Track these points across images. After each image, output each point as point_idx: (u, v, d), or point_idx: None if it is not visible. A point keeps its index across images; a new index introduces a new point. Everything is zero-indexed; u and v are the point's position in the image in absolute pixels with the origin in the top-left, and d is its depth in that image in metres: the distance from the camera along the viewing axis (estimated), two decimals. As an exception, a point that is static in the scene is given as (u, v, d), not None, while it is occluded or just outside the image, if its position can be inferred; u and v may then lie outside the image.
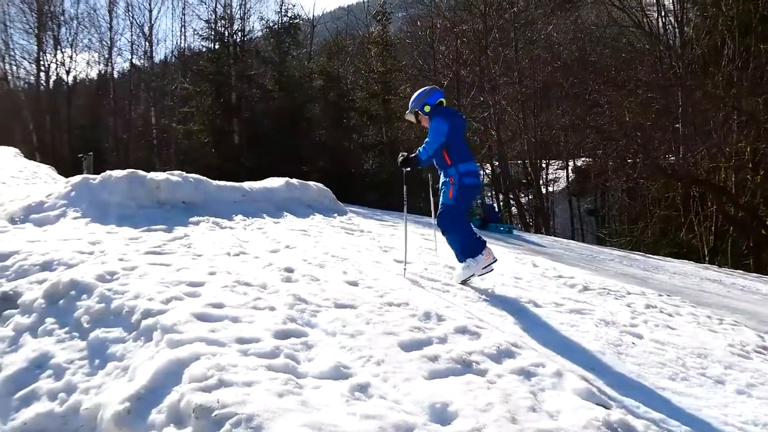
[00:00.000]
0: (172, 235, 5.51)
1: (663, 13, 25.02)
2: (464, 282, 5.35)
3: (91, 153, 22.67)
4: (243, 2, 30.47)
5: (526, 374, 3.43)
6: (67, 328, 3.73)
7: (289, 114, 26.70)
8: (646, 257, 16.23)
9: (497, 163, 32.25)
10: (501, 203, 32.29)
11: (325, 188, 8.30)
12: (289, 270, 4.69)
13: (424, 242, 7.47)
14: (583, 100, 26.54)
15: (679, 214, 24.03)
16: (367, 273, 5.00)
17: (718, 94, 20.59)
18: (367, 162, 29.33)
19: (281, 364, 3.19)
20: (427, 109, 5.59)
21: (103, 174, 6.62)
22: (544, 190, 30.39)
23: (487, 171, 34.64)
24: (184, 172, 7.12)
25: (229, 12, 29.97)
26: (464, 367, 3.43)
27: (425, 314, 4.10)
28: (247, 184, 7.56)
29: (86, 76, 42.63)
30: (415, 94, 5.78)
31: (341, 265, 5.16)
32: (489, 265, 5.27)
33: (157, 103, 34.99)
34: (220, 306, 3.80)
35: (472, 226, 5.49)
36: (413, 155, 5.57)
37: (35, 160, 22.89)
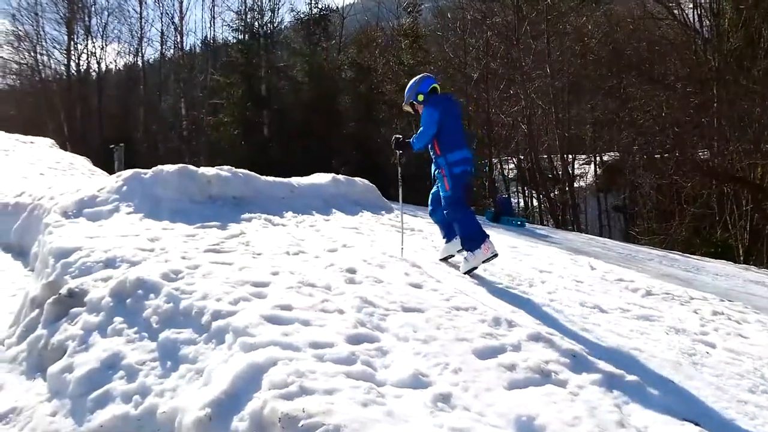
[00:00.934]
0: (228, 233, 5.47)
1: (698, 5, 24.55)
2: (468, 272, 5.41)
3: (122, 144, 22.84)
4: (273, -7, 30.47)
5: (607, 385, 3.33)
6: (136, 328, 3.70)
7: (319, 106, 26.67)
8: (686, 257, 15.94)
9: (522, 157, 31.99)
10: (528, 198, 32.04)
11: (371, 184, 8.23)
12: (352, 271, 4.62)
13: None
14: (616, 94, 26.17)
15: (713, 212, 23.61)
16: (429, 274, 4.92)
17: (754, 88, 20.16)
18: (396, 155, 29.18)
19: (359, 371, 3.12)
20: (420, 98, 5.67)
21: (154, 168, 6.59)
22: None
23: (511, 165, 34.41)
24: (233, 167, 7.08)
25: (259, 3, 29.97)
26: (543, 377, 3.34)
27: (495, 320, 4.01)
28: (295, 180, 7.50)
29: (116, 66, 42.94)
30: (409, 84, 5.85)
31: (400, 265, 5.08)
32: (488, 259, 5.34)
33: (186, 94, 35.12)
34: (288, 308, 3.74)
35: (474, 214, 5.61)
36: (408, 140, 5.75)
37: (66, 151, 23.13)
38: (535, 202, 31.80)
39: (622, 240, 24.87)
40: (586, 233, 24.62)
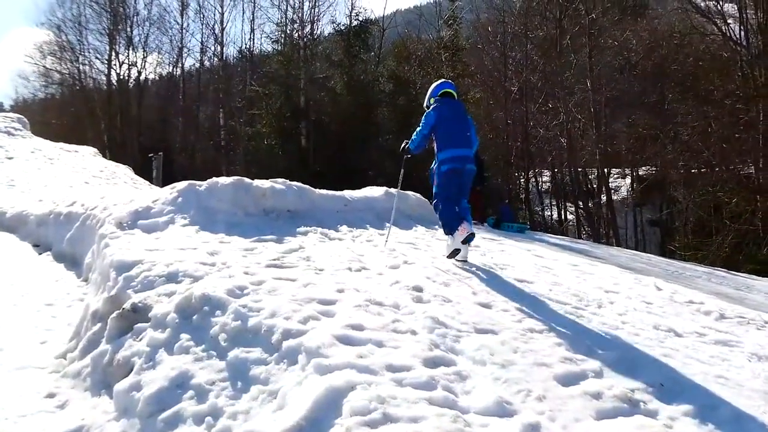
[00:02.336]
0: (286, 247, 5.38)
1: (745, 20, 24.09)
2: (450, 256, 5.82)
3: (161, 153, 23.15)
4: (314, 5, 30.66)
5: (701, 418, 3.14)
6: (203, 346, 3.61)
7: (357, 118, 26.69)
8: (733, 275, 15.51)
9: (556, 170, 31.60)
10: (562, 211, 31.61)
11: (423, 198, 8.11)
12: (418, 289, 4.49)
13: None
14: (660, 109, 25.78)
15: (756, 229, 23.06)
16: (495, 293, 4.77)
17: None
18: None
19: (441, 398, 2.99)
20: (432, 101, 6.18)
21: (209, 180, 6.55)
22: (604, 199, 29.55)
23: (544, 178, 33.99)
24: (286, 180, 7.02)
25: (300, 15, 30.17)
26: (631, 407, 3.16)
27: (572, 343, 3.85)
28: (348, 193, 7.42)
29: (156, 76, 43.62)
30: (429, 90, 6.36)
31: (466, 284, 4.95)
32: (466, 238, 5.63)
33: (225, 104, 35.47)
34: (359, 328, 3.62)
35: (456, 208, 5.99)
36: (406, 146, 6.32)
37: (106, 159, 23.49)
38: (570, 216, 31.38)
39: (659, 254, 24.39)
40: (626, 248, 24.21)
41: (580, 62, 27.40)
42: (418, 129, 6.09)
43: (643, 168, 30.64)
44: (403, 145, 6.41)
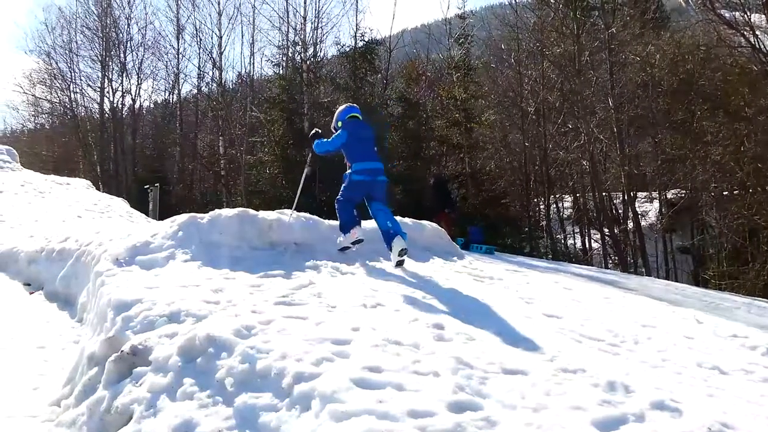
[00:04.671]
0: (295, 282, 5.34)
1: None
2: (341, 250, 6.89)
3: (157, 185, 23.25)
4: (317, 27, 30.96)
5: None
6: (208, 391, 3.55)
7: (365, 144, 26.72)
8: (775, 305, 15.33)
9: (578, 195, 31.51)
10: (585, 238, 31.40)
11: (440, 228, 8.07)
12: (439, 326, 4.42)
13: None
14: (687, 128, 25.72)
15: (796, 255, 22.85)
16: (523, 330, 4.70)
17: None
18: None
19: (469, 446, 2.92)
20: (340, 124, 7.20)
21: (211, 213, 6.54)
22: (632, 225, 29.35)
23: (566, 204, 33.86)
24: (294, 211, 7.01)
25: (302, 37, 30.44)
26: (678, 453, 3.08)
27: (609, 384, 3.76)
28: (360, 225, 7.39)
29: (151, 103, 44.03)
30: (336, 113, 7.44)
31: (491, 320, 4.88)
32: (356, 241, 6.82)
33: (224, 132, 35.69)
34: (377, 370, 3.56)
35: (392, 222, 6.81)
36: (319, 140, 7.35)
37: (100, 191, 23.62)
38: (595, 243, 31.17)
39: (692, 284, 24.14)
40: (656, 277, 23.99)
41: (600, 79, 27.45)
42: (327, 140, 7.19)
43: (672, 191, 30.52)
44: (313, 132, 7.69)
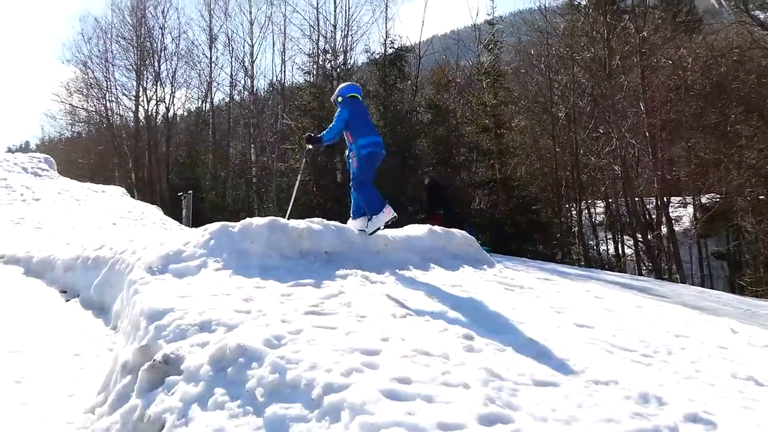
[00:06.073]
0: (325, 291, 5.34)
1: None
2: (373, 233, 7.03)
3: (190, 192, 23.52)
4: (347, 35, 31.12)
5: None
6: (239, 401, 3.56)
7: (395, 150, 26.70)
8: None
9: (610, 200, 31.14)
10: (618, 244, 31.03)
11: (469, 236, 8.01)
12: (469, 337, 4.39)
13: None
14: (721, 131, 25.33)
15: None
16: (554, 340, 4.65)
17: None
18: (477, 201, 29.03)
19: (499, 459, 2.90)
20: (339, 99, 7.33)
21: (243, 221, 6.58)
22: (665, 230, 28.92)
23: (598, 209, 33.48)
24: (324, 219, 7.03)
25: (332, 45, 30.62)
26: (713, 468, 3.02)
27: (642, 396, 3.71)
28: (389, 232, 7.36)
29: (184, 111, 44.56)
30: (338, 88, 7.59)
31: (521, 330, 4.83)
32: (389, 219, 6.82)
33: (256, 139, 35.98)
34: (407, 381, 3.54)
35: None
36: (318, 135, 7.51)
37: (134, 198, 23.94)
38: (628, 250, 30.79)
39: (728, 291, 23.71)
40: (691, 284, 23.64)
41: (631, 84, 27.15)
42: (331, 125, 7.24)
43: (707, 196, 30.07)
44: (306, 137, 7.85)
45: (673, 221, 29.62)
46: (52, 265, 8.90)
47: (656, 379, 4.17)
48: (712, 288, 25.38)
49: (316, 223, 6.82)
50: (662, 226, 27.89)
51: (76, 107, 42.56)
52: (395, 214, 6.85)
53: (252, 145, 36.31)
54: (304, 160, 8.28)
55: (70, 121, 46.85)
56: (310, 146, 7.86)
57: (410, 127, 28.23)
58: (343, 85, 7.64)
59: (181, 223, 19.29)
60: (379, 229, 6.97)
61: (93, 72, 39.93)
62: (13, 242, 11.22)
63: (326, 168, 28.33)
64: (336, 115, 7.22)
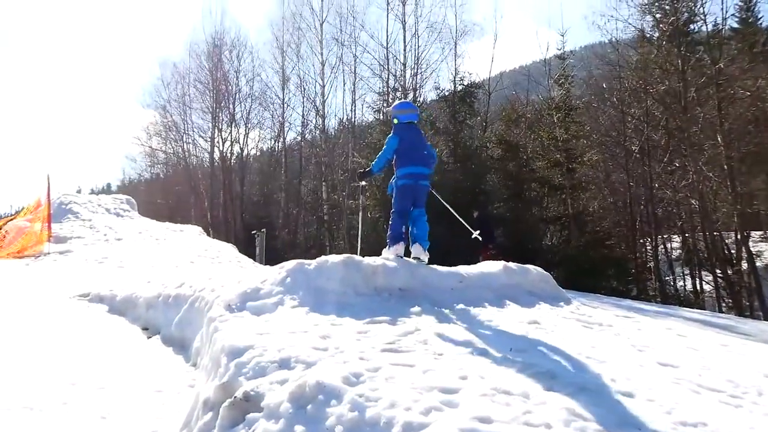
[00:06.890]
0: (401, 329, 5.34)
1: None
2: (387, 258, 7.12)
3: (264, 230, 23.93)
4: (416, 73, 31.45)
5: None
6: (319, 439, 3.58)
7: (465, 186, 26.62)
8: None
9: (687, 235, 30.13)
10: (696, 280, 29.92)
11: (546, 273, 7.89)
12: (549, 375, 4.29)
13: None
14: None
15: None
16: (637, 380, 4.50)
17: None
18: (549, 236, 28.60)
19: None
20: (395, 121, 7.46)
21: (318, 259, 6.67)
22: (746, 265, 27.70)
23: (674, 244, 32.39)
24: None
25: (402, 83, 30.96)
26: None
27: (733, 440, 3.55)
28: (463, 269, 7.34)
29: (257, 151, 45.72)
30: (397, 103, 7.80)
31: (602, 369, 4.69)
32: (399, 255, 7.21)
33: (327, 177, 36.51)
34: (487, 420, 3.50)
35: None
36: (368, 169, 7.80)
37: (209, 236, 24.54)
38: (707, 286, 29.64)
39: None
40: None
41: (707, 116, 26.42)
42: (380, 154, 7.43)
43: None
44: (358, 174, 8.30)
45: (755, 256, 28.43)
46: (135, 303, 9.17)
47: (746, 421, 3.98)
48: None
49: (391, 261, 6.85)
50: (743, 261, 26.80)
51: (155, 149, 44.31)
52: (402, 255, 7.27)
53: (323, 183, 36.86)
54: (362, 197, 8.64)
55: (150, 163, 48.82)
56: (363, 183, 8.14)
57: (480, 163, 28.09)
58: (400, 102, 7.82)
59: (255, 260, 19.64)
60: (419, 259, 7.31)
61: (171, 115, 41.66)
62: (97, 281, 11.63)
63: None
64: (387, 140, 7.41)
